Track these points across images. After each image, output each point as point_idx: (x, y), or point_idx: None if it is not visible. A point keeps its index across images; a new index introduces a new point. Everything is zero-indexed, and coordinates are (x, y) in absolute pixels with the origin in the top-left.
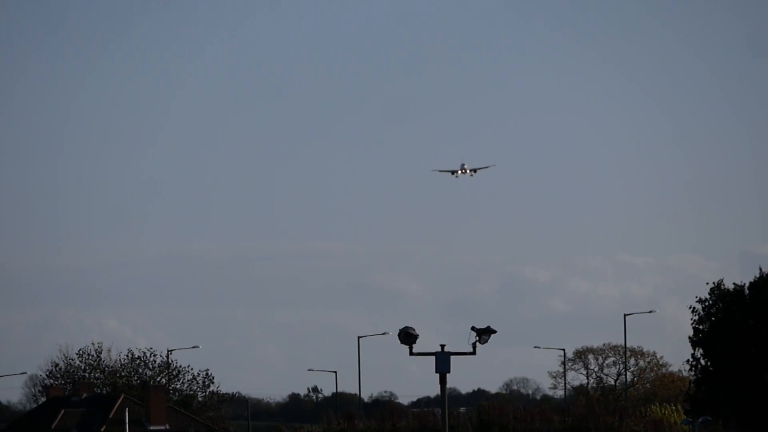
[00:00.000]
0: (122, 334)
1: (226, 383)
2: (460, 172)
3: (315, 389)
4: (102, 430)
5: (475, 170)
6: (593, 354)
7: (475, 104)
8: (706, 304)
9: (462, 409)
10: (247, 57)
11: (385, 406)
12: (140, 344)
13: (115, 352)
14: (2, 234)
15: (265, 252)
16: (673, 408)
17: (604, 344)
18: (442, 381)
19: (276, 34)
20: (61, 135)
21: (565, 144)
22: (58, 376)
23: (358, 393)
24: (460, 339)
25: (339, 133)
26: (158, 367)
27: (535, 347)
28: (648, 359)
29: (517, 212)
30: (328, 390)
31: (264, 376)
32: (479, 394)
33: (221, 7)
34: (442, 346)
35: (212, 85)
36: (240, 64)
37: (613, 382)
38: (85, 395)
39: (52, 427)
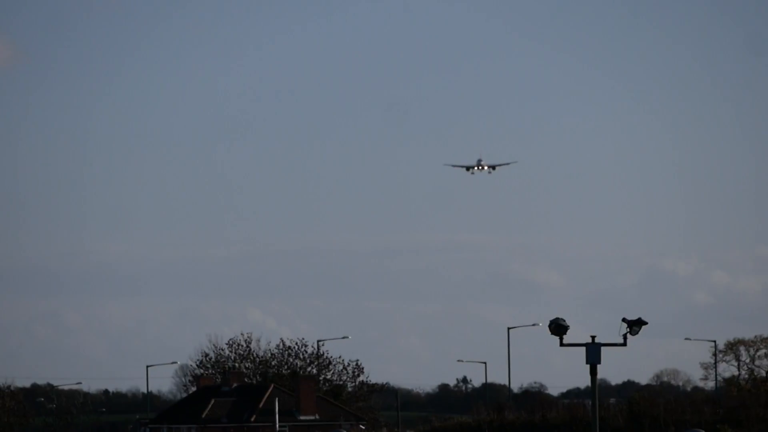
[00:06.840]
0: (266, 324)
1: (372, 374)
2: (476, 168)
3: (464, 380)
4: (252, 419)
5: (493, 167)
6: (744, 346)
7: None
8: None
9: (612, 401)
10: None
11: (534, 397)
12: (283, 335)
13: (264, 343)
14: (153, 227)
15: (403, 244)
16: None
17: (755, 336)
18: (593, 372)
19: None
20: (195, 126)
21: (700, 137)
22: (208, 366)
23: (507, 384)
24: (603, 330)
25: (474, 124)
26: (309, 357)
27: (686, 339)
28: None
29: (651, 205)
30: (477, 381)
31: (409, 367)
32: (629, 385)
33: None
34: (593, 337)
35: (335, 76)
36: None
37: (764, 374)
38: (235, 385)
39: (203, 416)
